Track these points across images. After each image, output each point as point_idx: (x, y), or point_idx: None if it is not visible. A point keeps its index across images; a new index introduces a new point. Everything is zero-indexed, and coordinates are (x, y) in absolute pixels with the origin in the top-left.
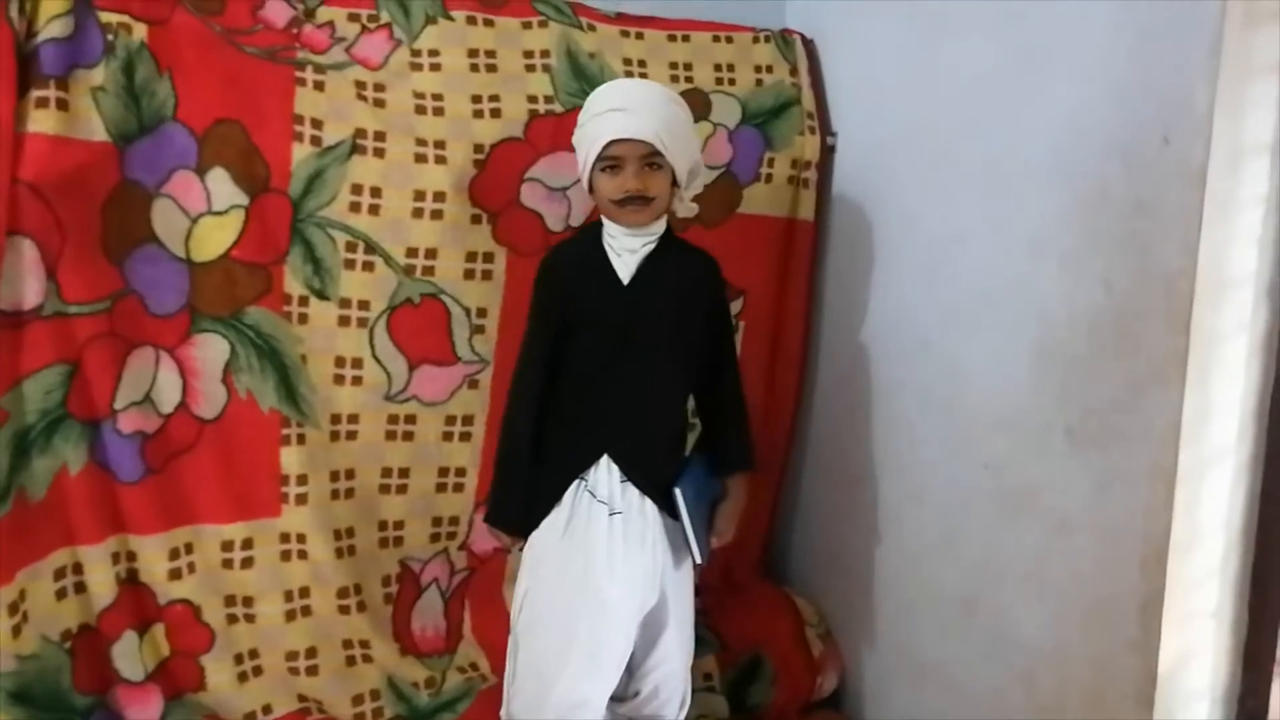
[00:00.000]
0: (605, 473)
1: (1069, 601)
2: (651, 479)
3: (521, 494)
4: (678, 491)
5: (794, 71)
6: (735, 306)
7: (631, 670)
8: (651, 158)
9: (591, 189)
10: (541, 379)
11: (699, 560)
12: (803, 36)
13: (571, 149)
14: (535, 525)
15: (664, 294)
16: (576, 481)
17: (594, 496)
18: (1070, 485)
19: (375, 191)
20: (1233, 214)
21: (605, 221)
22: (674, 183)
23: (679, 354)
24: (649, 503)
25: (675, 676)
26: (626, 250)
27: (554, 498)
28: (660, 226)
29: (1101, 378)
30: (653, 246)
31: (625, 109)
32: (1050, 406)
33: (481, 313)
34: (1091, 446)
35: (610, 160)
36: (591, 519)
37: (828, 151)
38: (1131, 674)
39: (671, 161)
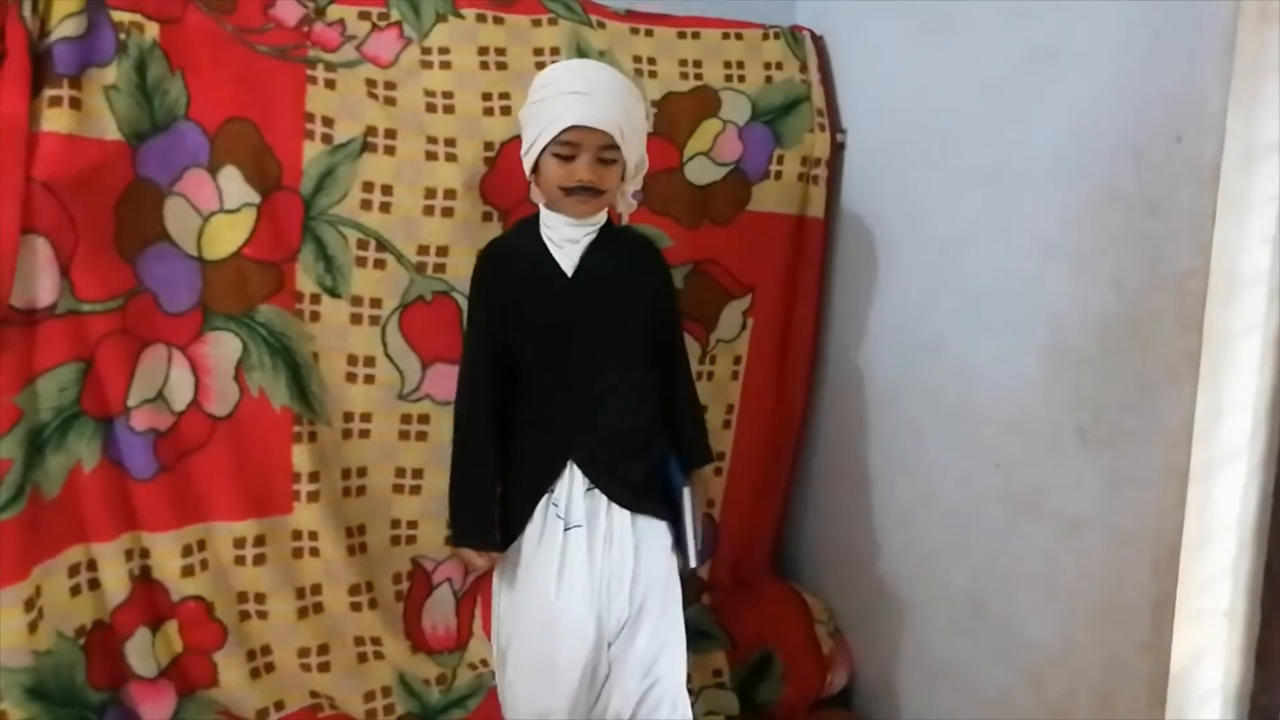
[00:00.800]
0: (568, 481)
1: (1080, 602)
2: (620, 483)
3: (486, 506)
4: (686, 492)
5: (804, 68)
6: (744, 304)
7: (614, 679)
8: (608, 150)
9: (535, 171)
10: (489, 384)
11: (694, 564)
12: (812, 33)
13: None
14: (512, 540)
15: (610, 284)
16: (545, 495)
17: (557, 509)
18: (1081, 485)
19: (386, 189)
20: (1245, 213)
21: (544, 212)
22: (622, 176)
23: (631, 347)
24: (616, 509)
25: (662, 684)
26: (568, 241)
27: (525, 514)
28: (601, 217)
29: (1113, 378)
30: (594, 236)
31: (589, 94)
32: (1061, 407)
33: None
34: (1103, 447)
35: (565, 147)
36: (552, 532)
37: (838, 149)
38: (1143, 674)
39: (625, 155)
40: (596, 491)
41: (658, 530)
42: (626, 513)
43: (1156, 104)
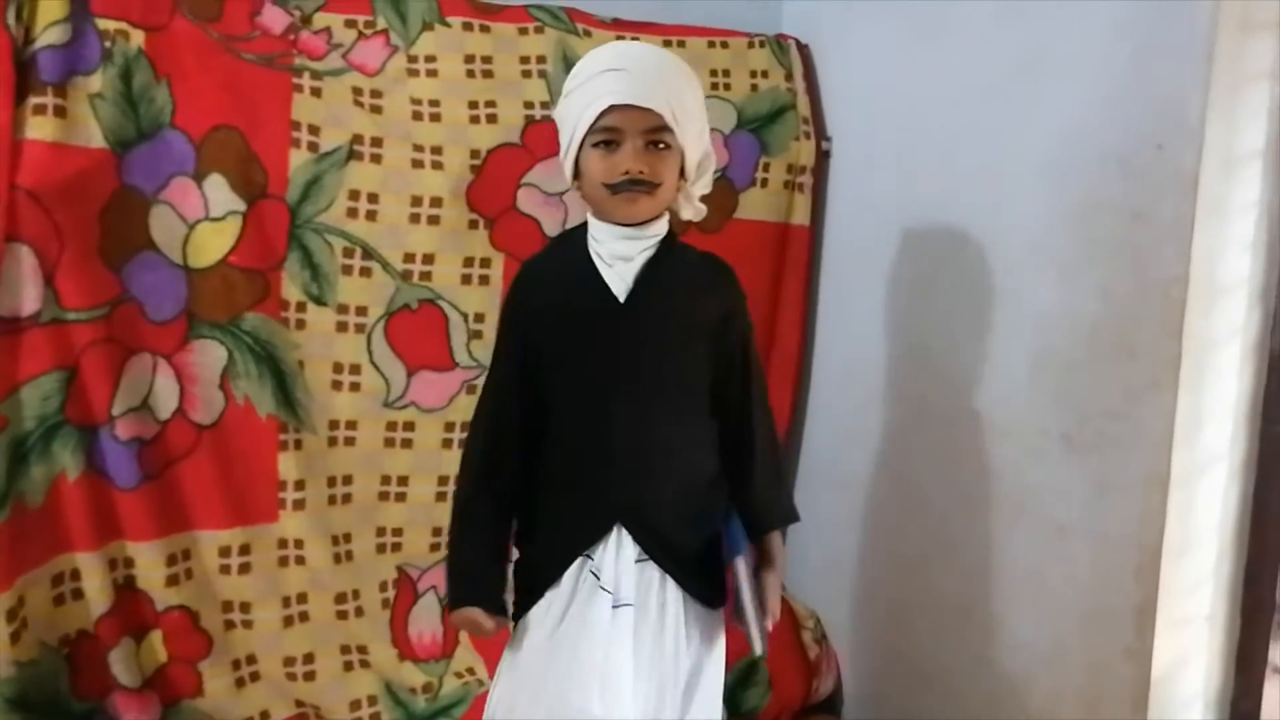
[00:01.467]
0: (615, 549)
1: (1065, 607)
2: (677, 555)
3: (489, 564)
4: (739, 563)
5: (789, 77)
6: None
7: None
8: (658, 134)
9: (577, 174)
10: (507, 440)
11: (760, 652)
12: (798, 42)
13: None
14: (526, 608)
15: (671, 312)
16: (580, 559)
17: (598, 580)
18: (1066, 491)
19: (373, 197)
20: (1225, 220)
21: (592, 223)
22: (681, 172)
23: (694, 389)
24: (672, 586)
25: None
26: (619, 258)
27: (551, 577)
28: (662, 228)
29: (1098, 384)
30: (651, 253)
31: (627, 70)
32: (1047, 412)
33: (479, 318)
34: (1087, 452)
35: (605, 133)
36: (592, 609)
37: (823, 157)
38: (1126, 678)
39: (682, 142)
40: (650, 564)
41: (718, 620)
42: (682, 593)
43: (1140, 112)
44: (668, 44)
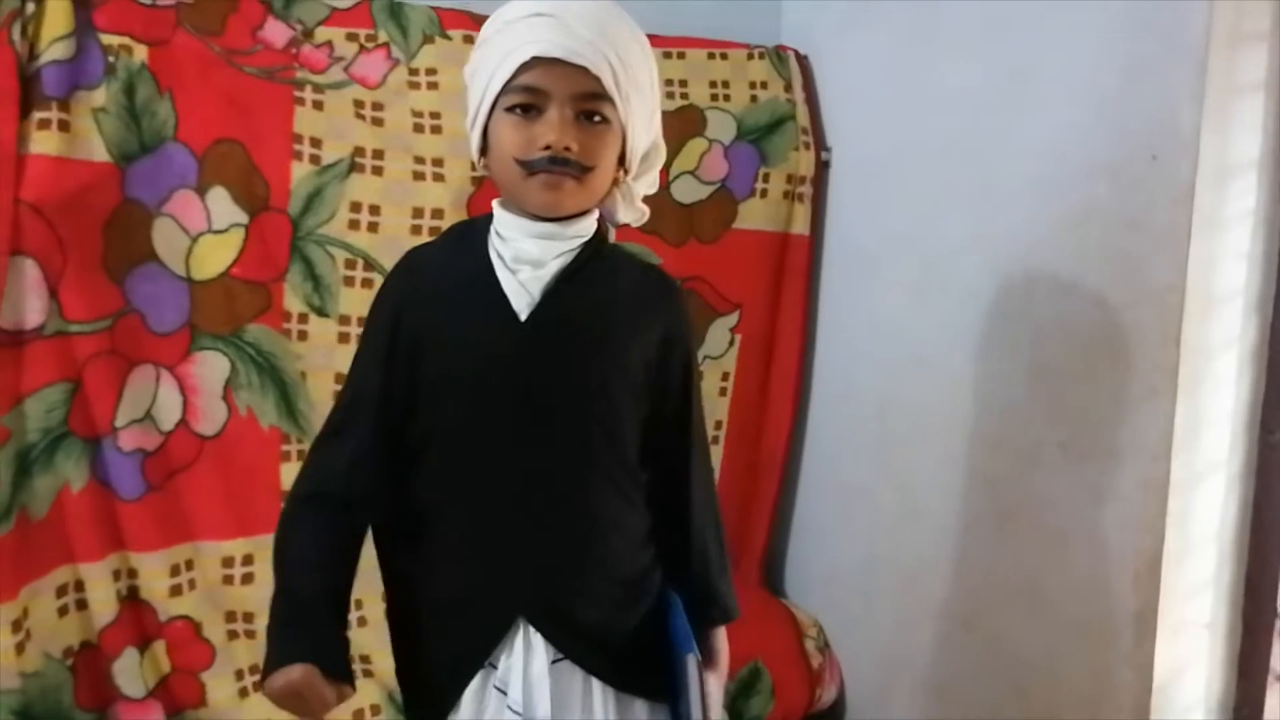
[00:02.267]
0: (522, 652)
1: (1065, 614)
2: (605, 647)
3: (328, 609)
4: (689, 663)
5: (789, 88)
6: (731, 320)
7: None
8: (593, 103)
9: (484, 150)
10: (372, 467)
11: None
12: (797, 53)
13: None
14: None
15: (589, 334)
16: (482, 670)
17: (504, 695)
18: (1065, 499)
19: (374, 209)
20: (1221, 230)
21: (497, 213)
22: (621, 160)
23: (619, 435)
24: (599, 688)
25: None
26: (526, 262)
27: (447, 700)
28: (587, 228)
29: (1094, 392)
30: (571, 258)
31: (558, 17)
32: (1044, 421)
33: None
34: (1085, 461)
35: (524, 95)
36: None
37: (822, 167)
38: (1127, 686)
39: (624, 118)
40: (566, 663)
41: (661, 715)
42: (612, 693)
43: (1133, 123)
44: (667, 55)
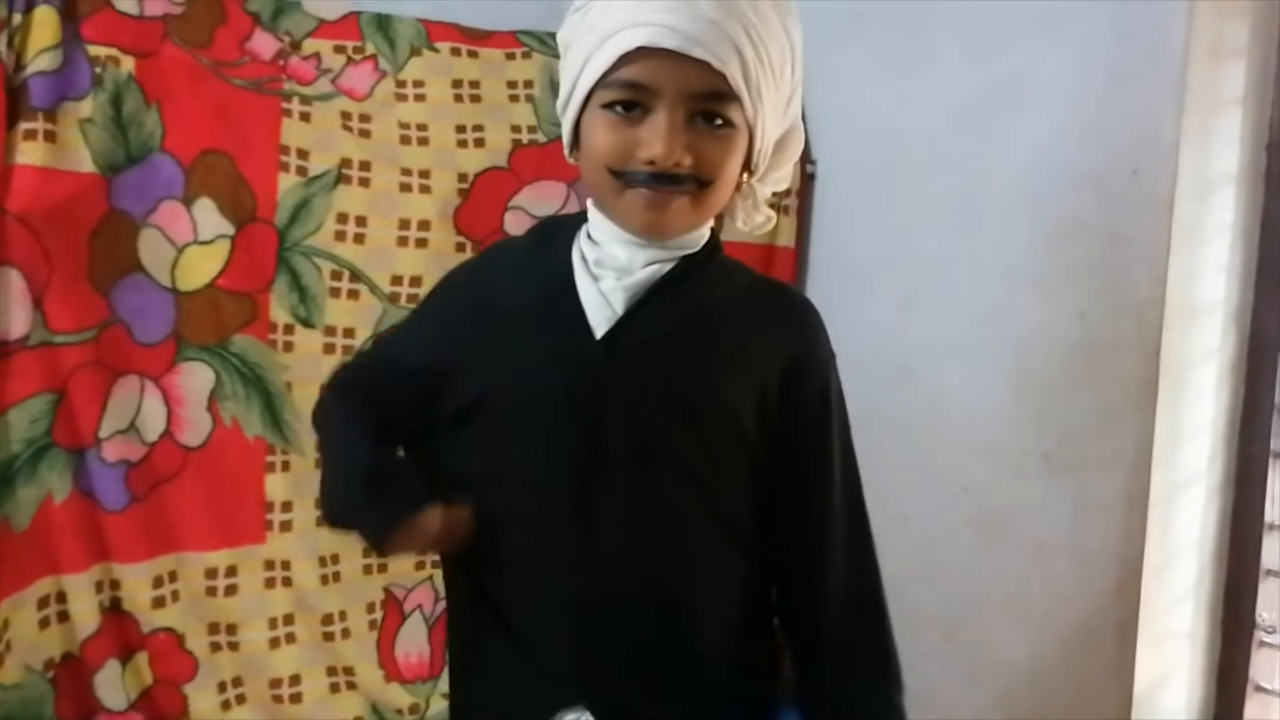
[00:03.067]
0: None
1: (1048, 625)
2: None
3: (388, 461)
4: None
5: None
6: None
7: None
8: (715, 103)
9: (575, 145)
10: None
11: None
12: None
13: (555, 177)
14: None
15: (678, 360)
16: None
17: None
18: (1048, 510)
19: (361, 220)
20: (1200, 243)
21: (592, 214)
22: (747, 161)
23: (715, 489)
24: None
25: None
26: (612, 269)
27: None
28: (699, 236)
29: (1076, 404)
30: (669, 268)
31: None
32: (1027, 432)
33: None
34: (1067, 472)
35: (626, 90)
36: None
37: (808, 179)
38: (1109, 696)
39: (752, 118)
40: None
41: None
42: None
43: (1115, 137)
44: None
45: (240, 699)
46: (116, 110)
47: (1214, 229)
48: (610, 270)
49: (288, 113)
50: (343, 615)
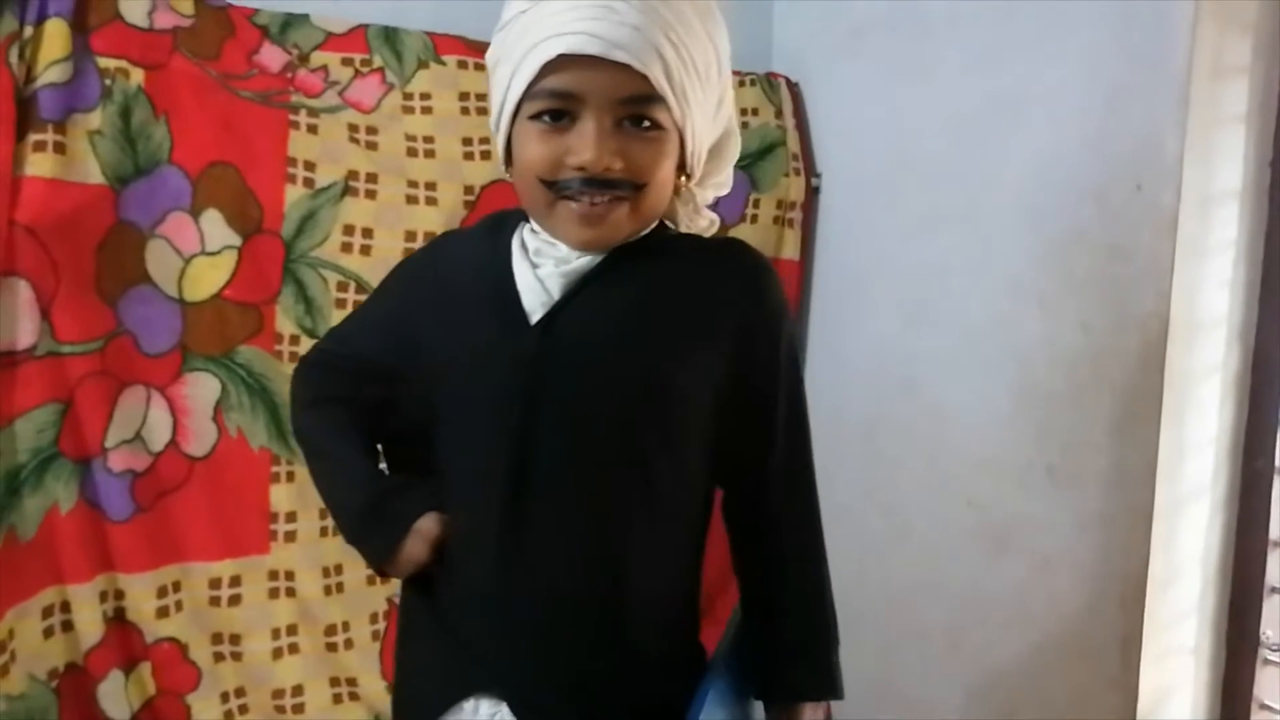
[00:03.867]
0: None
1: (1051, 638)
2: None
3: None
4: None
5: (779, 114)
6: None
7: None
8: (641, 106)
9: (509, 159)
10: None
11: None
12: (788, 80)
13: None
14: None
15: (617, 344)
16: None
17: None
18: (1051, 523)
19: (367, 232)
20: (1204, 258)
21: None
22: (682, 164)
23: (658, 476)
24: None
25: None
26: (551, 257)
27: None
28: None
29: (1080, 417)
30: (608, 252)
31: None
32: (1030, 445)
33: None
34: (1071, 485)
35: (552, 100)
36: None
37: (813, 192)
38: (1113, 710)
39: (681, 120)
40: None
41: None
42: None
43: (1117, 152)
44: None
45: (243, 709)
46: (125, 122)
47: (1217, 244)
48: (549, 258)
49: (295, 125)
50: (346, 626)
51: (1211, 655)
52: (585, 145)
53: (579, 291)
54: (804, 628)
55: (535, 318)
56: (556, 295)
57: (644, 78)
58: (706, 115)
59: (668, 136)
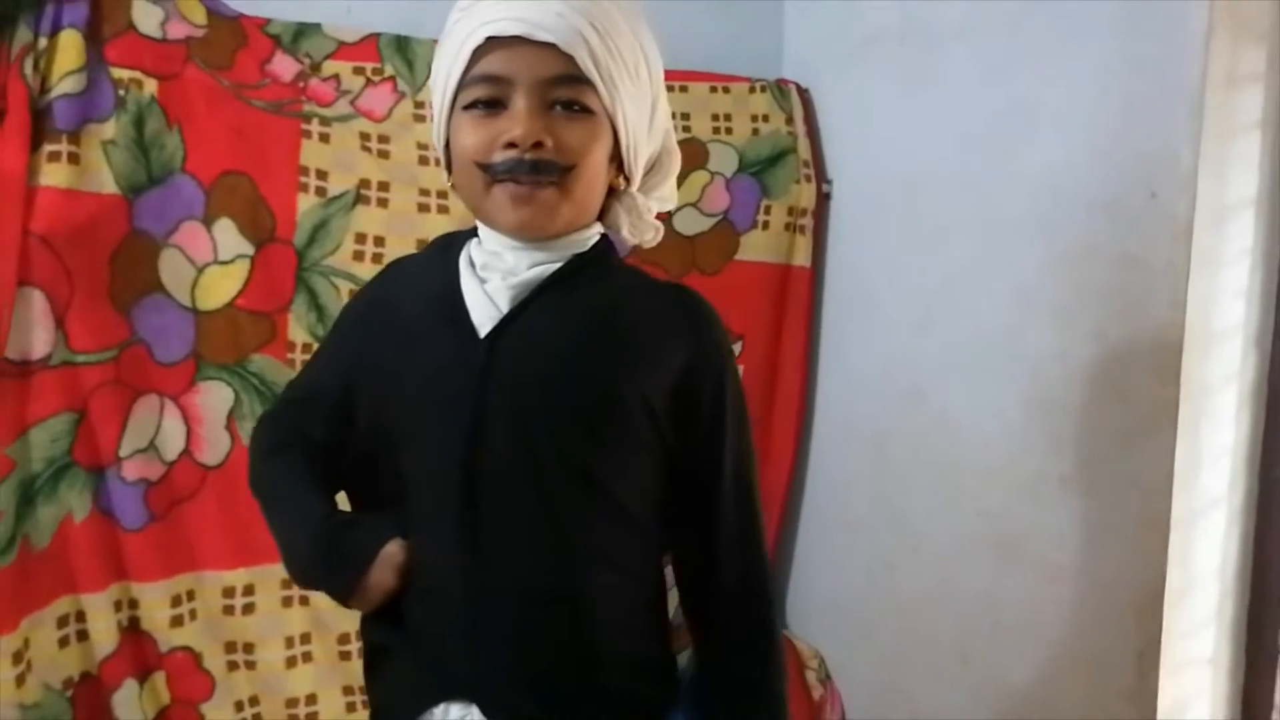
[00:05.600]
0: None
1: (1064, 649)
2: None
3: (331, 514)
4: None
5: (790, 121)
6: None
7: None
8: (569, 88)
9: (450, 161)
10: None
11: None
12: (798, 86)
13: None
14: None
15: (570, 358)
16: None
17: None
18: (1064, 533)
19: (379, 241)
20: (1219, 267)
21: (481, 226)
22: (619, 163)
23: (601, 494)
24: None
25: None
26: (498, 271)
27: None
28: (586, 238)
29: (1094, 427)
30: (556, 267)
31: None
32: (1043, 455)
33: None
34: (1084, 495)
35: (483, 86)
36: None
37: (823, 199)
38: None
39: (611, 106)
40: None
41: None
42: None
43: (1130, 161)
44: (670, 89)
45: (257, 718)
46: (139, 132)
47: (1233, 253)
48: (497, 272)
49: (307, 134)
50: (358, 635)
51: (1230, 666)
52: (515, 122)
53: (527, 305)
54: (751, 664)
55: (484, 331)
56: (504, 309)
57: (570, 58)
58: (640, 112)
59: (598, 121)
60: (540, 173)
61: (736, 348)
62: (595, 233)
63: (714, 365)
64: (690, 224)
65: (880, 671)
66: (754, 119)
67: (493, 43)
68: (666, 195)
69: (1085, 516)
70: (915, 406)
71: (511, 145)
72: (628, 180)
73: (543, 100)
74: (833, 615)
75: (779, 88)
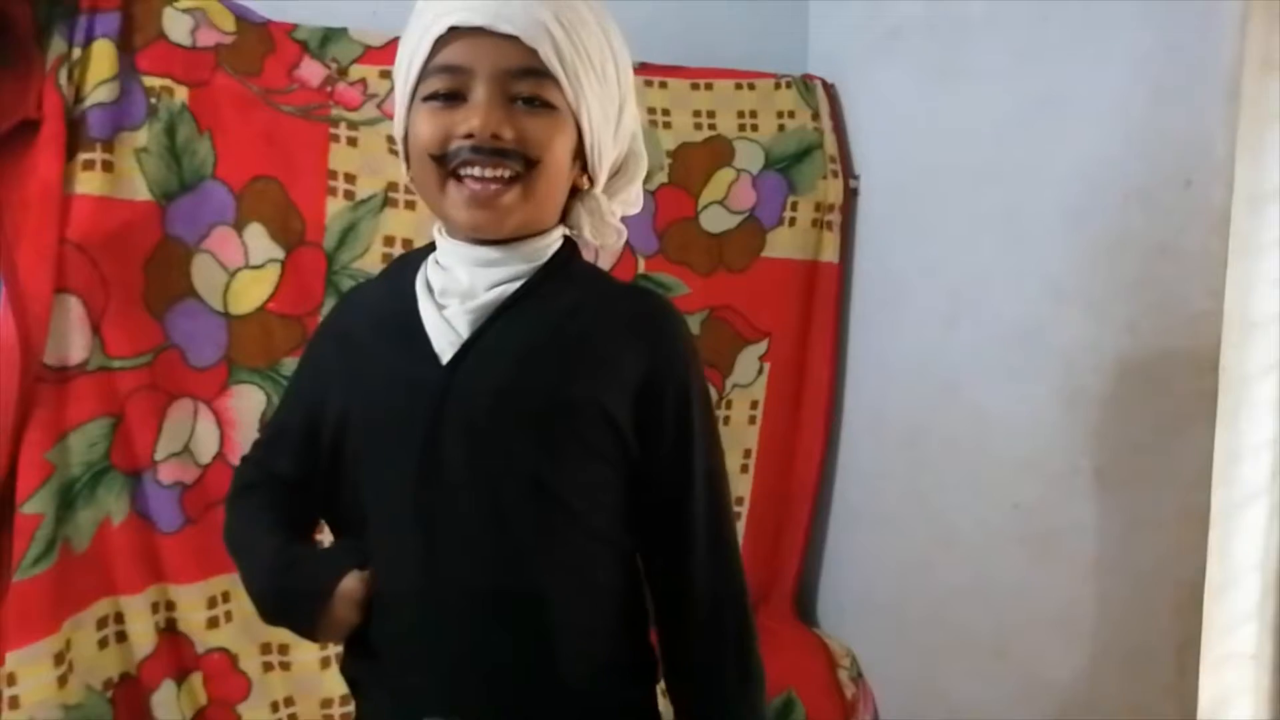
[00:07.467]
0: None
1: (1102, 645)
2: None
3: (296, 547)
4: None
5: (816, 116)
6: (760, 349)
7: None
8: (531, 81)
9: (409, 156)
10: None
11: None
12: (824, 81)
13: None
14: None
15: (527, 371)
16: None
17: None
18: (1100, 527)
19: (407, 243)
20: (1256, 256)
21: (437, 237)
22: (582, 160)
23: (582, 500)
24: None
25: None
26: (456, 295)
27: None
28: (546, 247)
29: (1130, 420)
30: (519, 285)
31: None
32: (1078, 448)
33: None
34: (1121, 488)
35: (442, 77)
36: None
37: (850, 194)
38: (1169, 718)
39: (575, 102)
40: None
41: None
42: None
43: (1164, 150)
44: (695, 87)
45: (292, 718)
46: (170, 139)
47: (1268, 242)
48: (454, 296)
49: (335, 138)
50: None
51: (1273, 661)
52: (474, 112)
53: (487, 328)
54: (730, 675)
55: (446, 359)
56: (465, 334)
57: (533, 52)
58: (606, 112)
59: (561, 116)
60: (501, 157)
61: (763, 345)
62: (557, 238)
63: (676, 372)
64: (717, 222)
65: (914, 669)
66: (780, 115)
67: (455, 33)
68: (631, 199)
69: (1122, 510)
70: (947, 400)
71: (469, 137)
72: (591, 181)
73: (503, 92)
74: (864, 612)
75: (804, 83)
